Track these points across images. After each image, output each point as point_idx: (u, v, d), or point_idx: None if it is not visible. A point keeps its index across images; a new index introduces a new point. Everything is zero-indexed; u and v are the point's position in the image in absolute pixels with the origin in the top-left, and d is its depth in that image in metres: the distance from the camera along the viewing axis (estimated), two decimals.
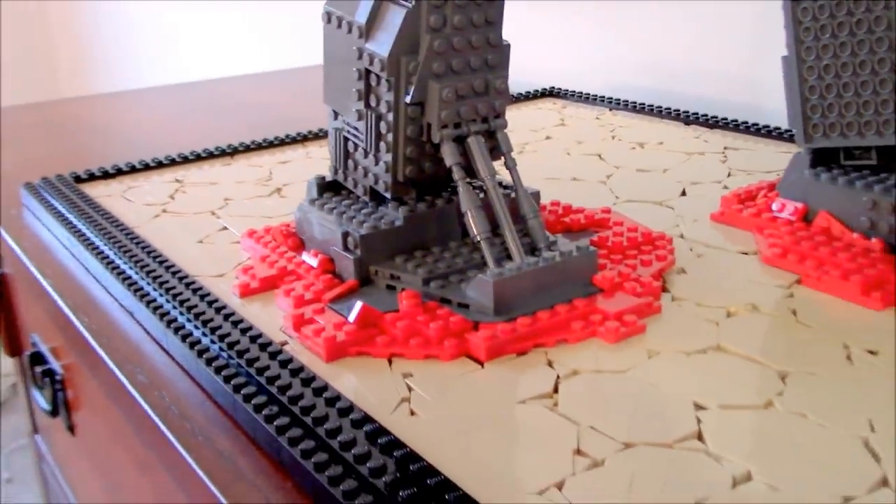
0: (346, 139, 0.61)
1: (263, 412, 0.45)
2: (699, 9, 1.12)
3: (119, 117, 1.29)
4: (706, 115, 0.99)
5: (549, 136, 0.98)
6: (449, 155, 0.56)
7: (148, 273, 0.62)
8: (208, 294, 0.58)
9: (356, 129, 0.60)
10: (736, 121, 0.96)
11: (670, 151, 0.89)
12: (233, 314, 0.55)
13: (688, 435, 0.42)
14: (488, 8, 0.56)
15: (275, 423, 0.44)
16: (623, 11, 1.22)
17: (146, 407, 0.51)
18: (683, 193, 0.76)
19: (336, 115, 0.62)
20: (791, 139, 0.89)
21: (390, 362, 0.50)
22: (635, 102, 1.08)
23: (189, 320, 0.55)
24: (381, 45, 0.55)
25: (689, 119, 1.00)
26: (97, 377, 0.61)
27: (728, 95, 1.11)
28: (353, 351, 0.51)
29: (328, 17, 0.60)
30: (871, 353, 0.49)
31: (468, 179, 0.57)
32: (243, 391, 0.48)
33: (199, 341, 0.53)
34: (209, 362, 0.50)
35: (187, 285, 0.60)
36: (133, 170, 0.90)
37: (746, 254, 0.63)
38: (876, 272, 0.55)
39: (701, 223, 0.69)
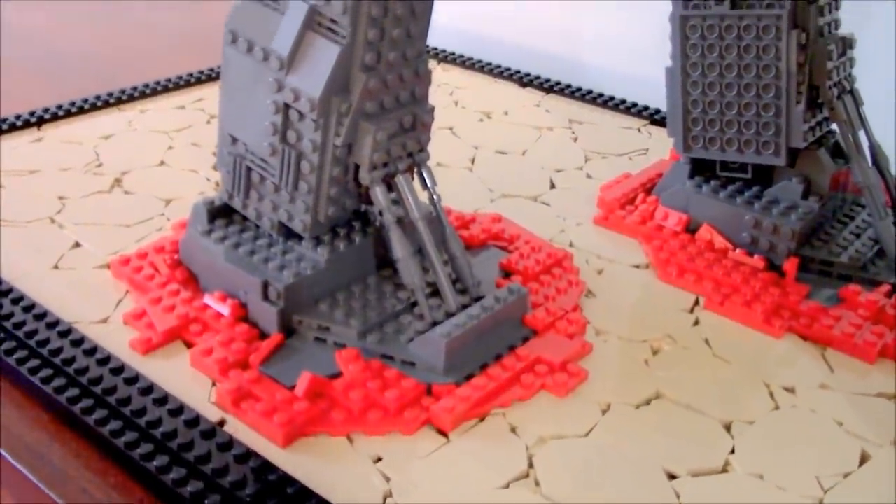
0: (249, 168, 0.55)
1: None
2: None
3: None
4: (539, 77, 1.00)
5: None
6: (381, 199, 0.53)
7: (16, 326, 0.54)
8: (107, 358, 0.51)
9: (265, 161, 0.54)
10: (570, 86, 0.98)
11: (519, 125, 0.89)
12: (151, 388, 0.49)
13: None
14: (419, 40, 0.52)
15: None
16: None
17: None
18: (553, 185, 0.77)
19: (234, 139, 0.56)
20: (629, 111, 0.92)
21: (350, 439, 0.48)
22: (463, 57, 1.06)
23: (98, 402, 0.48)
24: (310, 83, 0.50)
25: (523, 81, 1.00)
26: None
27: (547, 47, 1.12)
28: (309, 431, 0.48)
29: (233, 37, 0.52)
30: (788, 390, 0.53)
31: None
32: (189, 488, 0.44)
33: (120, 431, 0.47)
34: (144, 458, 0.45)
35: (73, 343, 0.53)
36: None
37: (638, 267, 0.66)
38: (771, 300, 0.59)
39: (585, 227, 0.70)
